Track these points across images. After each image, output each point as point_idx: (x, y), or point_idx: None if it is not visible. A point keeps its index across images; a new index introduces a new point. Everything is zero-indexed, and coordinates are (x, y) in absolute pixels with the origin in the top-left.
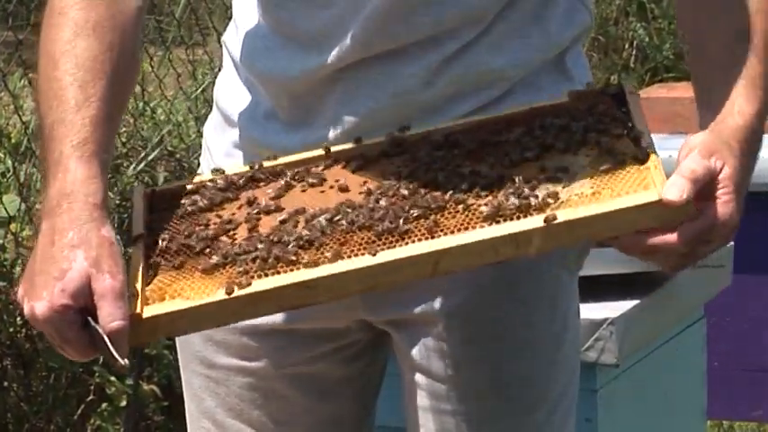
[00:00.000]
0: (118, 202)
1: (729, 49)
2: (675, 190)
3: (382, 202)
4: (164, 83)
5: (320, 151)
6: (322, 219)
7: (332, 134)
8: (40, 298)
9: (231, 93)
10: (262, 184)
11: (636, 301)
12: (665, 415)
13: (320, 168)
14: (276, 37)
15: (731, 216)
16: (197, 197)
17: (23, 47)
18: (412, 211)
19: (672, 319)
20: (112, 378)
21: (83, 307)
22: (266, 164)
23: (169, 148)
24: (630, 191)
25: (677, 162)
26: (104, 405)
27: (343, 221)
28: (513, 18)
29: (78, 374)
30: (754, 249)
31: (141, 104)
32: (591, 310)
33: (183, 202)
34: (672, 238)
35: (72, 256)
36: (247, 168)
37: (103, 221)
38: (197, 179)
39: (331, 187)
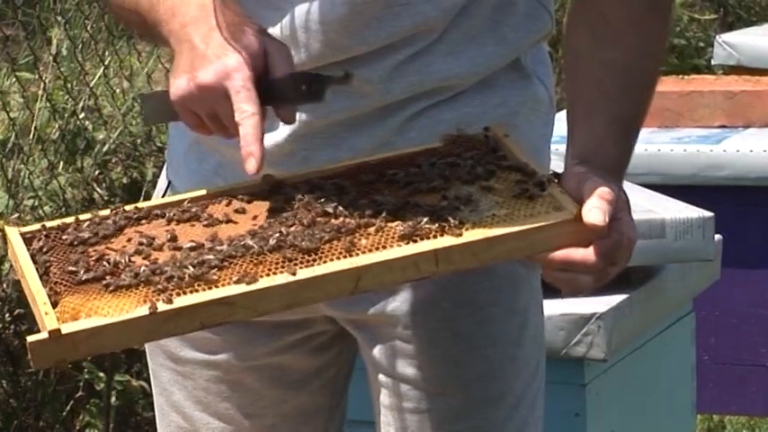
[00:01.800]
0: (106, 198)
1: (609, 85)
2: (599, 213)
3: (286, 230)
4: (152, 78)
5: (199, 192)
6: (232, 242)
7: (287, 135)
8: (224, 57)
9: None
10: (144, 221)
11: (624, 296)
12: (654, 409)
13: (200, 207)
14: None
15: (633, 236)
16: (80, 233)
17: (11, 43)
18: (323, 235)
19: (660, 313)
20: (101, 374)
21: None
22: (141, 205)
23: (158, 144)
24: (542, 211)
25: (577, 188)
26: (93, 401)
27: (254, 245)
28: (466, 25)
29: (67, 371)
30: (743, 243)
31: (130, 100)
32: (579, 305)
33: (63, 237)
34: (588, 253)
35: (242, 26)
36: (123, 209)
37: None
38: (70, 219)
39: (219, 221)
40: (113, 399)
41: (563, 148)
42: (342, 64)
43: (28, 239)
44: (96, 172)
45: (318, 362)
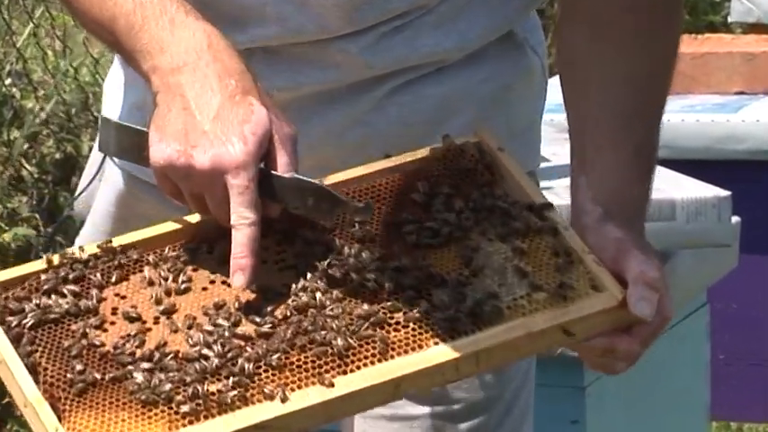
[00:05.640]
0: (36, 176)
1: (621, 109)
2: (647, 306)
3: (302, 315)
4: (89, 39)
5: (170, 227)
6: (248, 341)
7: None
8: (228, 143)
9: None
10: (121, 279)
11: None
12: (662, 415)
13: (181, 259)
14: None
15: (671, 315)
16: (50, 300)
17: None
18: (352, 328)
19: None
20: None
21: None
22: (119, 242)
23: (96, 114)
24: (582, 292)
25: (615, 259)
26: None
27: (277, 345)
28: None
29: None
30: (763, 226)
31: (63, 63)
32: None
33: (38, 304)
34: (631, 341)
35: (249, 99)
36: (96, 251)
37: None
38: (33, 268)
39: (212, 282)
40: None
41: (557, 117)
42: (325, 42)
43: None
44: (25, 146)
45: None
